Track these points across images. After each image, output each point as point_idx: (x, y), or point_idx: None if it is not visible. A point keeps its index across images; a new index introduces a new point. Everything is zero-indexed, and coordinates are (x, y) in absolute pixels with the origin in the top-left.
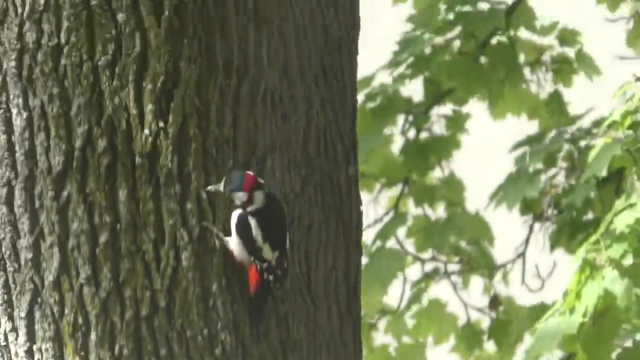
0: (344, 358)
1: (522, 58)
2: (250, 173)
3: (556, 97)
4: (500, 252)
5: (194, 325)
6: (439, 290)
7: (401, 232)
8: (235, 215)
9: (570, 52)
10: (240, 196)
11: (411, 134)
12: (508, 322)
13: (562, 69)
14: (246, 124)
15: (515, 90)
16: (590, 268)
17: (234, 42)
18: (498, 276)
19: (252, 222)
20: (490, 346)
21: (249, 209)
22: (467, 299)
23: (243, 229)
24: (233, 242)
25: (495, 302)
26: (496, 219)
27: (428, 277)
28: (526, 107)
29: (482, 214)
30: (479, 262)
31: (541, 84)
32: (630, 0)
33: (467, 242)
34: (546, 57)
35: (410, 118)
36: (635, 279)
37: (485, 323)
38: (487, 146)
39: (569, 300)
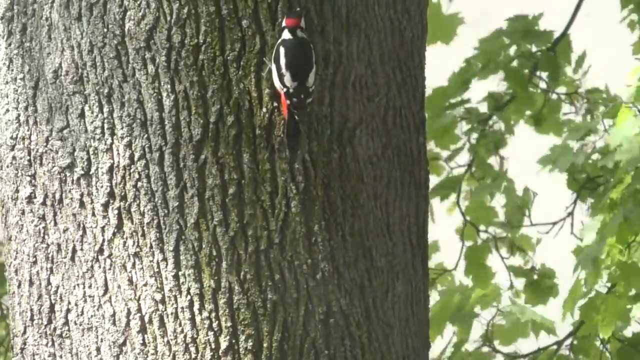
0: (414, 281)
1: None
2: (302, 23)
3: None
4: (554, 211)
5: (300, 257)
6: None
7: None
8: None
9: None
10: (285, 22)
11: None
12: (542, 281)
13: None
14: (340, 103)
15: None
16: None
17: (330, 41)
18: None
19: (282, 50)
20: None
21: (282, 37)
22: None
23: (275, 54)
24: (272, 69)
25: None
26: (546, 184)
27: (485, 246)
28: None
29: (532, 182)
30: (520, 242)
31: (578, 112)
32: None
33: (508, 219)
34: (581, 89)
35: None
36: None
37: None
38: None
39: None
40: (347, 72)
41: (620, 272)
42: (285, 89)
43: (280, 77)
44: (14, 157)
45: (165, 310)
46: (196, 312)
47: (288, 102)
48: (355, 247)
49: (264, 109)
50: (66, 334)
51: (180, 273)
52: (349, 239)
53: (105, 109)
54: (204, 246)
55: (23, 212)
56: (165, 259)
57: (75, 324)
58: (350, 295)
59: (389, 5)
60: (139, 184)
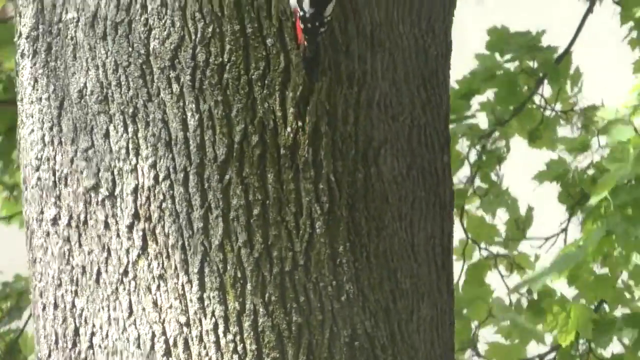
0: (440, 303)
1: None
2: None
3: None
4: (549, 227)
5: (325, 278)
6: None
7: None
8: None
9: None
10: None
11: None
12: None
13: (590, 118)
14: (364, 122)
15: (550, 131)
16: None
17: (355, 60)
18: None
19: None
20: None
21: None
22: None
23: None
24: None
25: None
26: (540, 200)
27: (486, 262)
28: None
29: (530, 199)
30: (519, 261)
31: (573, 129)
32: None
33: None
34: (577, 107)
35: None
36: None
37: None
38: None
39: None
40: (372, 91)
41: (594, 282)
42: (301, 13)
43: (299, 0)
44: (38, 178)
45: (190, 333)
46: (221, 334)
47: (302, 26)
48: (380, 269)
49: (289, 129)
50: (91, 357)
51: (205, 295)
52: (373, 261)
53: (130, 129)
54: (228, 268)
55: (48, 234)
56: (190, 281)
57: (100, 347)
58: (375, 317)
59: (414, 24)
60: (164, 204)
